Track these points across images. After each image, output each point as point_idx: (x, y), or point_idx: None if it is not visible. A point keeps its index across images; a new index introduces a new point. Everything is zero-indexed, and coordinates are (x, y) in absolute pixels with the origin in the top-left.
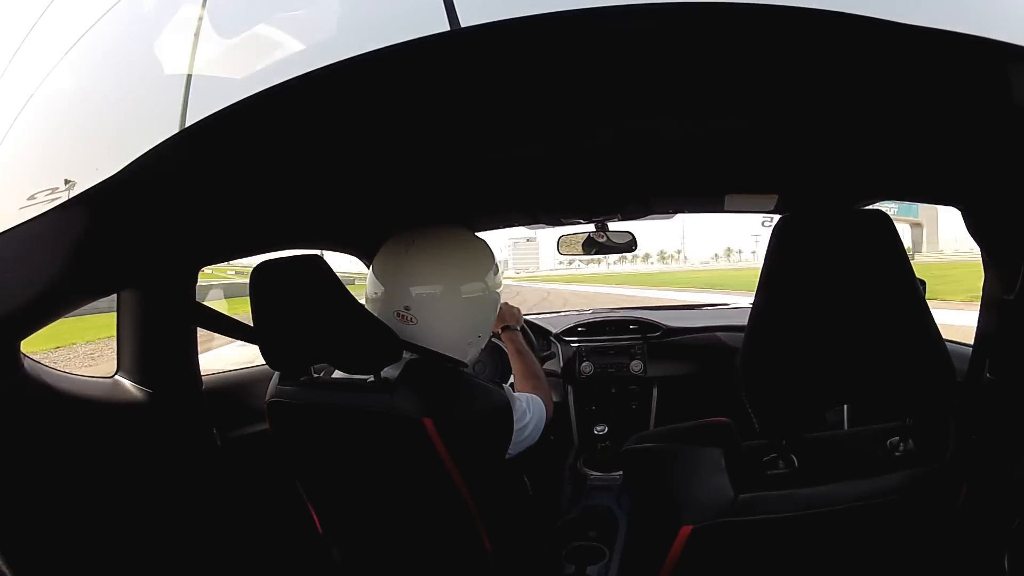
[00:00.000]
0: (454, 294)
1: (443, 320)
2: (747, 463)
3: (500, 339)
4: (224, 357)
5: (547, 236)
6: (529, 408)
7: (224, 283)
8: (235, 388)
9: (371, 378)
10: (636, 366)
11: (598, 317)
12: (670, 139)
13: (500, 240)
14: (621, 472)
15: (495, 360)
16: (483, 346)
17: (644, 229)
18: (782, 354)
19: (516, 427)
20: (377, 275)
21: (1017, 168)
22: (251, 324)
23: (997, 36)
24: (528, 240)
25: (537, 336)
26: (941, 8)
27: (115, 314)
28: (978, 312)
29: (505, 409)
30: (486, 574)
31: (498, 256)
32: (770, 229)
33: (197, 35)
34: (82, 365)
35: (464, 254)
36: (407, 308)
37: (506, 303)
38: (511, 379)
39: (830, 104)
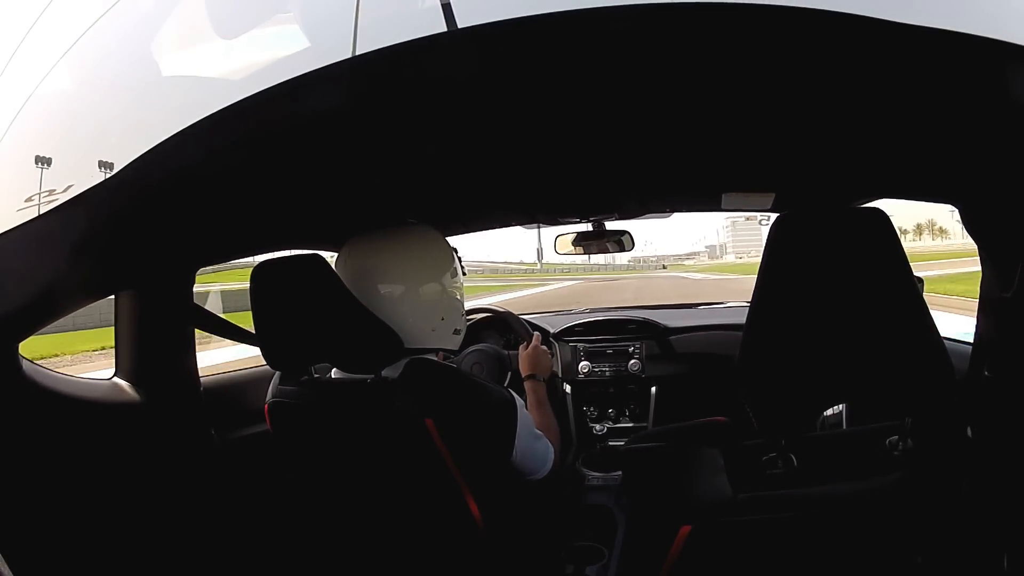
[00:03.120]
0: (413, 294)
1: (403, 316)
2: (746, 462)
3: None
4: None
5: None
6: (539, 440)
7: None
8: (233, 389)
9: (371, 378)
10: (634, 366)
11: (596, 317)
12: (667, 138)
13: (717, 221)
14: (619, 472)
15: (492, 364)
16: (458, 327)
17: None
18: (780, 353)
19: (519, 430)
20: (340, 274)
21: (1015, 167)
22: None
23: (996, 36)
24: (747, 219)
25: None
26: (940, 8)
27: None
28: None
29: (507, 406)
30: (486, 573)
31: (715, 239)
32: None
33: (196, 36)
34: None
35: (422, 254)
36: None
37: (541, 349)
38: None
39: (828, 103)
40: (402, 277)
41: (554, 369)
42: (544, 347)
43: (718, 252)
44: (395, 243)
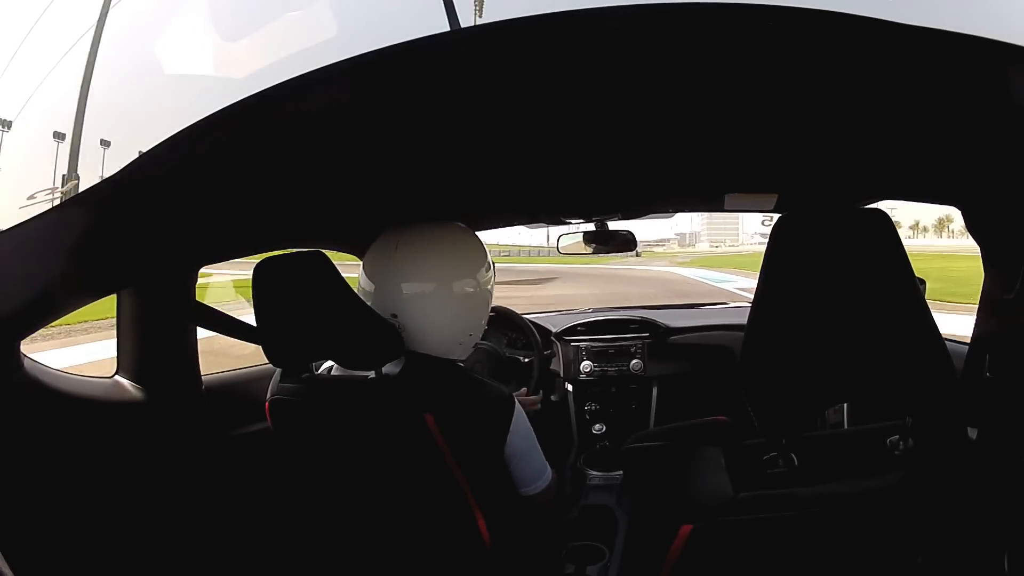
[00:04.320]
0: (445, 292)
1: (432, 320)
2: (747, 462)
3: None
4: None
5: None
6: (537, 452)
7: None
8: (235, 387)
9: (372, 375)
10: (636, 365)
11: (598, 317)
12: (670, 139)
13: None
14: (621, 471)
15: (493, 366)
16: (473, 344)
17: None
18: (782, 353)
19: (514, 427)
20: (368, 273)
21: (1016, 168)
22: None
23: (997, 36)
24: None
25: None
26: (941, 8)
27: None
28: (976, 311)
29: (504, 404)
30: (486, 571)
31: (687, 227)
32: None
33: (197, 36)
34: None
35: (455, 250)
36: (394, 316)
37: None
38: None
39: (830, 104)
40: (431, 274)
41: (555, 368)
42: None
43: (688, 240)
44: (442, 245)
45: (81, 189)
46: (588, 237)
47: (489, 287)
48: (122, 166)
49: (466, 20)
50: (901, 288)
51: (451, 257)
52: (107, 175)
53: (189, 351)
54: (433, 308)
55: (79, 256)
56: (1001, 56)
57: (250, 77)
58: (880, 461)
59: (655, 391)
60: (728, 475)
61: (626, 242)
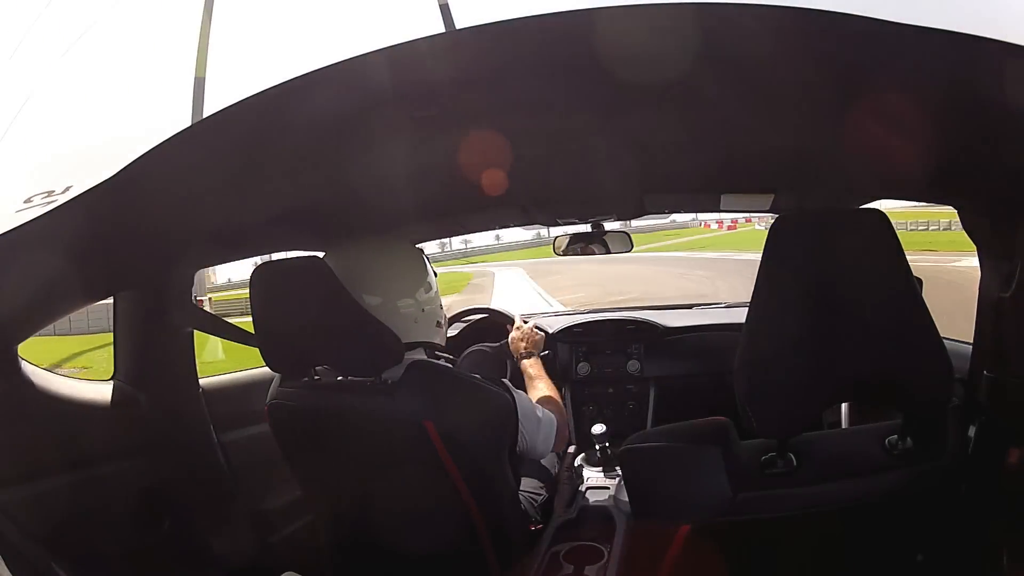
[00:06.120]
0: (389, 305)
1: (388, 318)
2: (745, 462)
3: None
4: None
5: None
6: (542, 420)
7: None
8: (233, 391)
9: (371, 380)
10: (633, 366)
11: (595, 317)
12: (666, 139)
13: None
14: (619, 472)
15: (492, 363)
16: (439, 320)
17: None
18: (779, 353)
19: (522, 424)
20: None
21: (1011, 167)
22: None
23: (996, 36)
24: None
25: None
26: (940, 8)
27: None
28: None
29: (508, 411)
30: (486, 574)
31: None
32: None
33: (197, 36)
34: None
35: (388, 260)
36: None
37: (525, 329)
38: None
39: (827, 103)
40: (380, 289)
41: (553, 369)
42: (527, 322)
43: None
44: (374, 255)
45: (78, 191)
46: (582, 238)
47: (428, 307)
48: (120, 167)
49: (462, 21)
50: (899, 288)
51: (388, 268)
52: (104, 177)
53: (187, 354)
54: (383, 314)
55: (76, 259)
56: (999, 56)
57: (247, 78)
58: (879, 461)
59: (653, 391)
60: (727, 476)
61: (621, 242)
